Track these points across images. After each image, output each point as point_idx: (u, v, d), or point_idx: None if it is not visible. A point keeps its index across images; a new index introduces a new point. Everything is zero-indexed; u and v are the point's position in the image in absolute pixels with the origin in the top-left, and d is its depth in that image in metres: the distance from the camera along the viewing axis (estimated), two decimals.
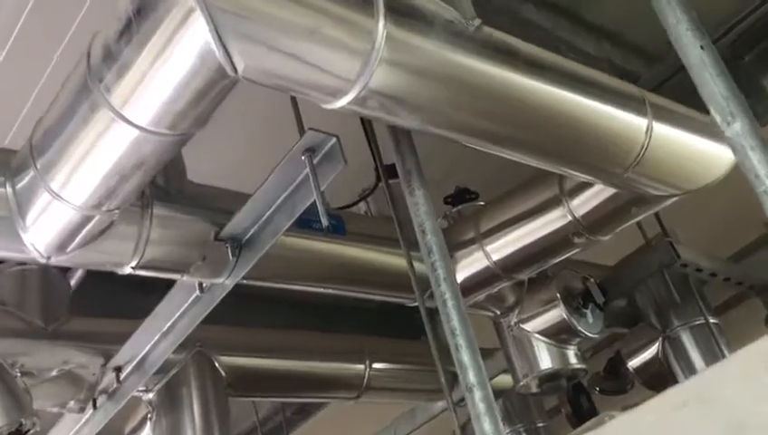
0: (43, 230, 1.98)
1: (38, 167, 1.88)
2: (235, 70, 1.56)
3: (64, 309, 2.74)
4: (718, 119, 1.50)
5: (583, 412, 3.50)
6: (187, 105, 1.65)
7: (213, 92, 1.65)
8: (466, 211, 3.07)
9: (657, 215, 3.27)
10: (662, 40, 3.31)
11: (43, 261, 2.06)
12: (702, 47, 1.54)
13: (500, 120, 1.95)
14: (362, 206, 3.05)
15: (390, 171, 2.49)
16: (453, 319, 1.83)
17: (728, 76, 1.52)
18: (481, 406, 1.73)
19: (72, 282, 3.18)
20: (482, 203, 3.11)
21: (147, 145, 1.73)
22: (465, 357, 1.78)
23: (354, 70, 1.65)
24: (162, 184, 2.22)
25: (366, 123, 2.49)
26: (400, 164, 2.03)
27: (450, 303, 1.85)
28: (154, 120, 1.68)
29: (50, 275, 2.73)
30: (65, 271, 2.89)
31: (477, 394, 1.74)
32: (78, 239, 2.02)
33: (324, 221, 1.91)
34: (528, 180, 2.69)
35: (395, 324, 3.89)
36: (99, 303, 3.00)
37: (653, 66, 3.25)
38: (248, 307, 3.40)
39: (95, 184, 1.85)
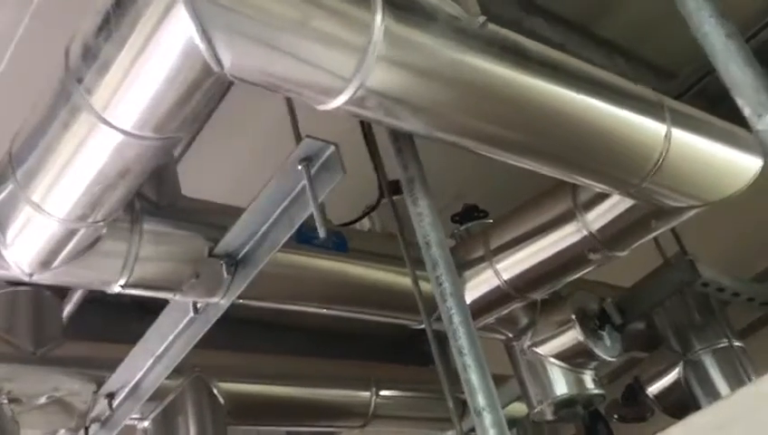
0: (26, 246, 1.88)
1: (18, 178, 1.78)
2: (221, 66, 1.45)
3: (56, 333, 2.62)
4: (747, 111, 1.38)
5: None
6: (172, 106, 1.55)
7: (200, 92, 1.54)
8: (475, 229, 2.94)
9: (675, 233, 3.14)
10: (675, 57, 3.23)
11: (26, 278, 1.95)
12: (727, 35, 1.42)
13: (508, 124, 1.83)
14: (366, 223, 2.93)
15: (396, 187, 2.38)
16: (460, 337, 1.70)
17: (757, 66, 1.40)
18: (492, 432, 1.59)
19: (69, 307, 3.08)
20: (490, 221, 2.98)
21: (131, 150, 1.63)
22: (473, 377, 1.64)
23: (350, 67, 1.53)
24: (153, 198, 2.12)
25: (368, 134, 2.37)
26: (403, 172, 1.90)
27: (457, 319, 1.72)
28: (138, 124, 1.57)
29: (41, 298, 2.62)
30: (60, 296, 2.79)
31: (488, 418, 1.60)
32: (63, 255, 1.92)
33: (322, 233, 1.80)
34: (539, 194, 2.56)
35: (402, 352, 3.78)
36: (95, 329, 2.90)
37: (666, 83, 3.16)
38: (249, 334, 3.31)
39: (78, 194, 1.74)
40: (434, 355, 2.01)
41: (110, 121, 1.57)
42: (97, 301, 3.09)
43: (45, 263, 1.92)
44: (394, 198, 2.40)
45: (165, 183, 2.19)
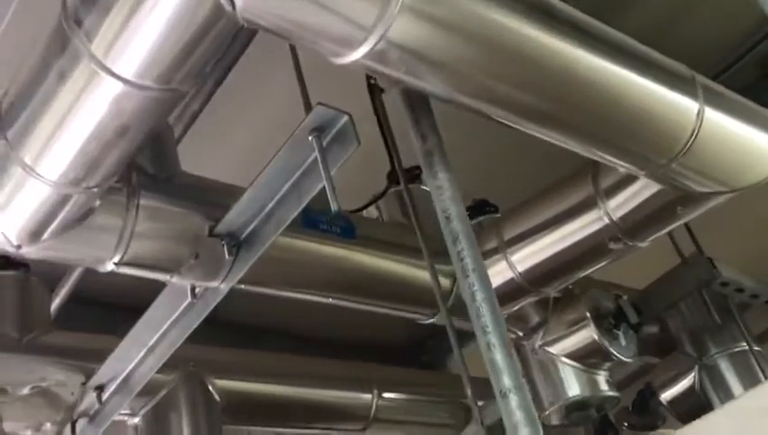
0: (15, 214, 1.75)
1: (8, 138, 1.65)
2: (233, 5, 1.33)
3: (43, 321, 2.47)
4: None
5: None
6: (178, 52, 1.43)
7: (208, 38, 1.43)
8: (486, 223, 2.82)
9: (691, 233, 3.03)
10: (691, 54, 3.15)
11: (11, 250, 1.82)
12: None
13: (530, 88, 1.70)
14: (374, 213, 2.80)
15: (409, 175, 2.28)
16: (484, 314, 1.56)
17: None
18: (519, 414, 1.45)
19: (56, 301, 2.95)
20: (499, 216, 2.86)
21: (130, 102, 1.50)
22: (498, 357, 1.50)
23: (371, 15, 1.41)
24: (151, 172, 1.99)
25: (381, 115, 2.26)
26: (421, 144, 1.78)
27: (480, 296, 1.58)
28: (140, 71, 1.45)
29: (28, 283, 2.47)
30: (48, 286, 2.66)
31: (514, 400, 1.46)
32: (54, 226, 1.78)
33: (334, 207, 1.67)
34: (557, 182, 2.44)
35: (404, 362, 3.67)
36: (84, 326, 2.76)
37: None
38: (253, 341, 3.19)
39: (73, 154, 1.62)
40: (450, 341, 1.87)
41: (110, 69, 1.44)
42: (84, 300, 2.96)
43: (35, 234, 1.79)
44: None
45: (164, 157, 2.06)
